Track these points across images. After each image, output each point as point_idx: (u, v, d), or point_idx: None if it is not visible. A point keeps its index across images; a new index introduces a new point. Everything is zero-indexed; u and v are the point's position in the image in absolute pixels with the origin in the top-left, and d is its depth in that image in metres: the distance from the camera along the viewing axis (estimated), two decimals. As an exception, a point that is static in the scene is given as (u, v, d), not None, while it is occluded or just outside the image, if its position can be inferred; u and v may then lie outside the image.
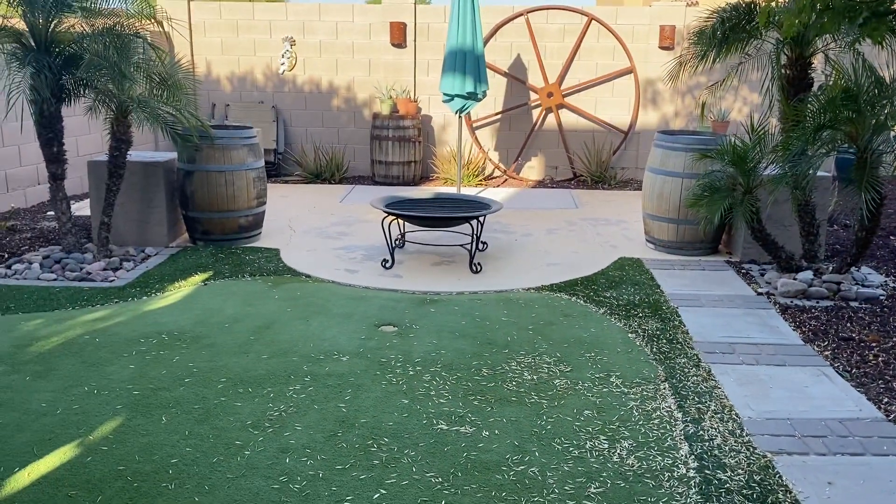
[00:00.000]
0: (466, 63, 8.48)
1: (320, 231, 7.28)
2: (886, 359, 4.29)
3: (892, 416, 3.61)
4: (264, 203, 6.84)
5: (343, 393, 3.78)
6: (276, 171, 10.26)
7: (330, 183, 10.06)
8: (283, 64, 10.32)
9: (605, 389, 3.87)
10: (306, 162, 10.23)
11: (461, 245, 6.35)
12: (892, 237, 7.12)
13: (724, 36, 5.81)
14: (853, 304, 5.26)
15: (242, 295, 5.27)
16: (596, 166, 10.14)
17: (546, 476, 3.04)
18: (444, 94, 8.74)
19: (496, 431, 3.41)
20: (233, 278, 5.70)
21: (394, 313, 4.94)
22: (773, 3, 4.02)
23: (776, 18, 5.13)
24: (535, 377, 4.00)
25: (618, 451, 3.24)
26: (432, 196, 6.83)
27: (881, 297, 5.37)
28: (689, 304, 5.20)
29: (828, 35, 5.48)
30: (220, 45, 10.36)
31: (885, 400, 3.77)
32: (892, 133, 5.03)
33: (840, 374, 4.10)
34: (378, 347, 4.37)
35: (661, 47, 9.92)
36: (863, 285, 5.54)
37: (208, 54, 10.38)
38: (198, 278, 5.65)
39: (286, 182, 10.05)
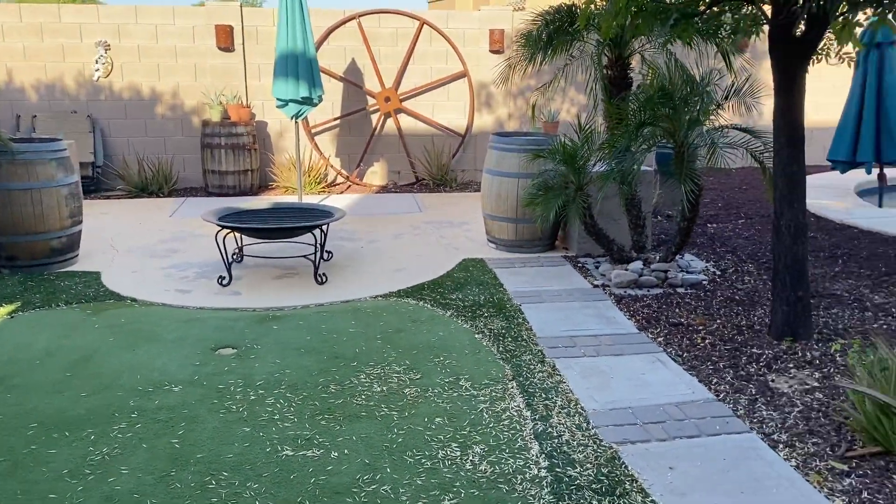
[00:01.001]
0: (299, 67, 8.22)
1: (147, 249, 6.76)
2: (713, 341, 4.56)
3: (722, 395, 3.82)
4: (80, 222, 6.23)
5: (176, 427, 3.46)
6: (95, 186, 9.45)
7: (158, 196, 9.41)
8: (97, 70, 9.52)
9: (455, 394, 3.81)
10: (129, 175, 9.50)
11: (304, 256, 6.11)
12: (709, 225, 7.69)
13: (549, 38, 5.99)
14: (680, 290, 5.59)
15: (57, 326, 4.75)
16: (437, 169, 10.20)
17: (399, 493, 2.93)
18: (278, 100, 8.43)
19: (346, 451, 3.25)
20: (45, 308, 5.13)
21: (232, 334, 4.64)
22: (592, 6, 4.17)
23: (595, 21, 5.33)
24: (384, 388, 3.88)
25: (470, 458, 3.18)
26: (270, 206, 6.53)
27: (704, 282, 5.74)
28: (532, 301, 5.30)
29: (643, 36, 5.79)
30: (23, 50, 9.39)
31: (714, 381, 4.00)
32: (705, 128, 5.38)
33: (673, 359, 4.31)
34: (215, 373, 4.06)
35: (492, 51, 10.15)
36: (687, 272, 5.91)
37: (10, 61, 9.37)
38: (2, 311, 5.03)
39: (108, 198, 9.28)
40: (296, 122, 8.67)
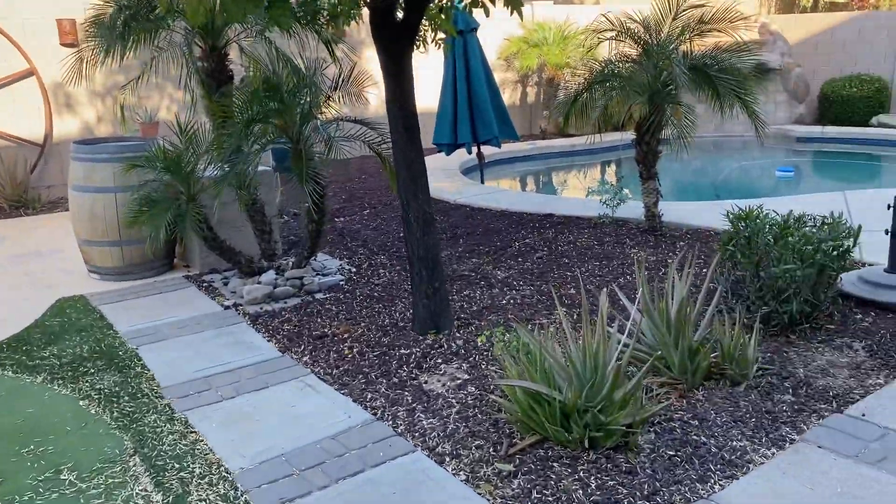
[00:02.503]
0: None
1: None
2: (360, 348, 4.26)
3: (379, 412, 3.51)
4: None
5: None
6: None
7: None
8: None
9: (54, 495, 2.88)
10: None
11: None
12: (337, 219, 7.48)
13: (125, 26, 5.06)
14: (319, 296, 5.21)
15: None
16: (11, 189, 8.38)
17: None
18: None
19: None
20: None
21: None
22: (172, -13, 3.49)
23: (180, 6, 4.60)
24: (-57, 514, 2.77)
25: (83, 589, 2.36)
26: None
27: (341, 283, 5.45)
28: (151, 340, 4.44)
29: (238, 24, 5.21)
30: None
31: (370, 396, 3.67)
32: (319, 121, 5.04)
33: (323, 379, 3.89)
34: None
35: (64, 44, 8.61)
36: (323, 274, 5.56)
37: None
38: None
39: None
40: None
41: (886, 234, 4.56)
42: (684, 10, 5.62)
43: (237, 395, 3.72)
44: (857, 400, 3.46)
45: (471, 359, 4.05)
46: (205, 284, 5.51)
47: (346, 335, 4.47)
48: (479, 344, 4.17)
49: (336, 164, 9.91)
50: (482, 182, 9.26)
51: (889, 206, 4.58)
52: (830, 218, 4.37)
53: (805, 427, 3.26)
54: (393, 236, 6.69)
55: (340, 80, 5.27)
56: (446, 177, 9.34)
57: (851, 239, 4.19)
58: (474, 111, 8.68)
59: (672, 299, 3.77)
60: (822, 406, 3.43)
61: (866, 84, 12.84)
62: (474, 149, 9.11)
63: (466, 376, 3.85)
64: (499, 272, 5.54)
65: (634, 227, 6.43)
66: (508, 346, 3.53)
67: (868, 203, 6.84)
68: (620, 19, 5.85)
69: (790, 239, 4.09)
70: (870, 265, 5.03)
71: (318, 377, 3.91)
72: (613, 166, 11.76)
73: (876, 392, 3.52)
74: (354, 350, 4.24)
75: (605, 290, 3.76)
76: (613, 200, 6.59)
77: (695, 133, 5.76)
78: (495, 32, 12.41)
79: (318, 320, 4.74)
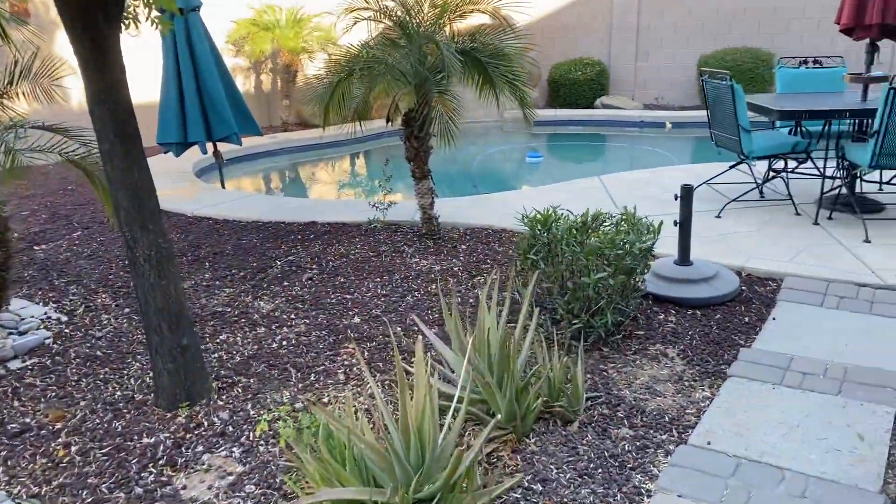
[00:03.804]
0: None
1: None
2: (82, 445, 3.05)
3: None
4: None
5: None
6: None
7: None
8: None
9: None
10: None
11: None
12: (37, 247, 5.87)
13: None
14: (14, 365, 3.82)
15: None
16: None
17: None
18: None
19: None
20: None
21: None
22: None
23: None
24: None
25: None
26: None
27: (48, 342, 4.09)
28: None
29: None
30: None
31: (101, 530, 2.56)
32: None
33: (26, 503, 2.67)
34: None
35: None
36: (19, 332, 4.14)
37: None
38: None
39: None
40: None
41: (676, 225, 4.37)
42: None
43: None
44: (695, 422, 3.11)
45: (243, 438, 3.07)
46: None
47: (58, 425, 3.23)
48: (258, 432, 3.18)
49: (31, 173, 8.03)
50: (223, 186, 8.04)
51: (676, 197, 4.39)
52: (625, 213, 4.04)
53: (655, 469, 2.81)
54: (117, 265, 5.33)
55: (20, 71, 3.89)
56: (178, 182, 7.96)
57: (652, 235, 3.89)
58: (206, 104, 7.42)
59: (487, 332, 3.12)
60: (664, 437, 3.02)
61: (589, 67, 13.56)
62: (210, 147, 7.86)
63: (241, 467, 2.87)
64: (262, 303, 4.55)
65: (410, 232, 5.76)
66: (300, 434, 2.64)
67: (627, 188, 6.89)
68: (376, -3, 5.10)
69: (594, 241, 3.67)
70: (654, 257, 4.87)
71: (16, 502, 2.68)
72: (363, 158, 11.08)
73: (708, 410, 3.20)
74: (73, 449, 3.04)
75: (419, 339, 3.01)
76: (384, 202, 5.88)
77: (461, 122, 5.23)
78: (219, 13, 11.03)
79: (15, 405, 3.41)
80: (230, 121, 7.48)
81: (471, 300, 4.42)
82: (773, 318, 4.05)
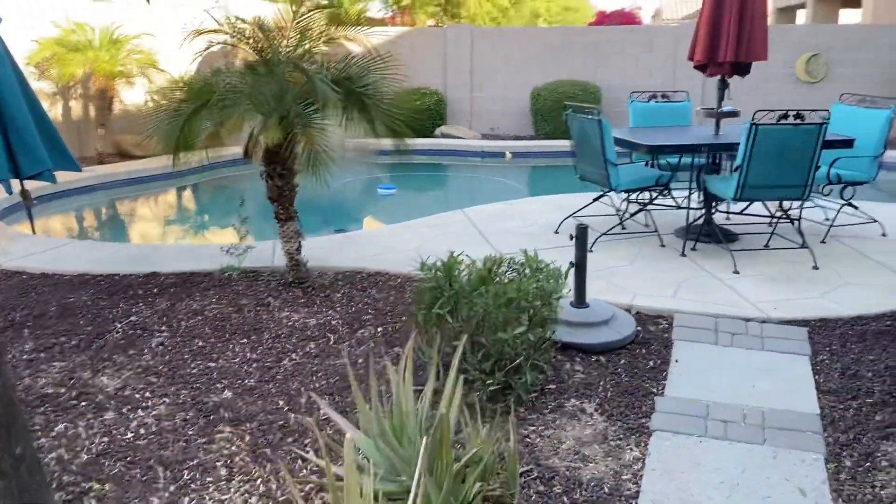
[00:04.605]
0: None
1: None
2: None
3: None
4: None
5: None
6: None
7: None
8: None
9: None
10: None
11: None
12: None
13: None
14: None
15: None
16: None
17: None
18: None
19: None
20: None
21: None
22: None
23: None
24: None
25: None
26: None
27: None
28: None
29: None
30: None
31: None
32: None
33: None
34: None
35: None
36: None
37: None
38: None
39: None
40: None
41: (572, 266, 4.17)
42: (310, 11, 4.54)
43: None
44: (635, 490, 2.86)
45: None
46: None
47: None
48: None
49: None
50: (34, 232, 6.89)
51: (571, 237, 4.20)
52: (524, 256, 3.77)
53: (612, 555, 2.50)
54: None
55: None
56: (-24, 227, 6.73)
57: (560, 281, 3.64)
58: (11, 137, 6.26)
59: (407, 417, 2.68)
60: (610, 513, 2.73)
61: (427, 97, 13.49)
62: (15, 186, 6.70)
63: None
64: (105, 379, 3.76)
65: (273, 280, 5.14)
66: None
67: (492, 222, 6.71)
68: (230, 18, 4.50)
69: (509, 290, 3.35)
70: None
71: None
72: (203, 190, 10.14)
73: (644, 474, 2.96)
74: None
75: (347, 437, 2.52)
76: (240, 246, 5.22)
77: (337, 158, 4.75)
78: (18, 33, 9.66)
79: None
80: (42, 156, 6.40)
81: (360, 360, 3.93)
82: (676, 361, 3.94)
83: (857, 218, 6.29)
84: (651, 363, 3.92)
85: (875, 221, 6.22)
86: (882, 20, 16.23)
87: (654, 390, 3.65)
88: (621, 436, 3.25)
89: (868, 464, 3.01)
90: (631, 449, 3.15)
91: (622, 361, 3.93)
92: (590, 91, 12.88)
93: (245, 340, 4.20)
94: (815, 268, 5.28)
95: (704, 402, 3.50)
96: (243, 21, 4.56)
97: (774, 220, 5.92)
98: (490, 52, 13.91)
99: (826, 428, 3.28)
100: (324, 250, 5.75)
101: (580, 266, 4.17)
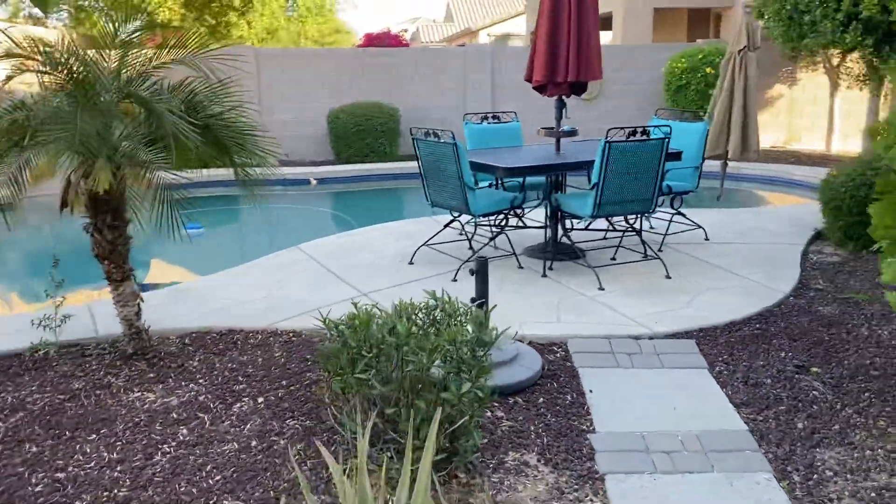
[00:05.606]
0: None
1: None
2: None
3: None
4: None
5: None
6: None
7: None
8: None
9: None
10: None
11: None
12: None
13: None
14: None
15: None
16: None
17: None
18: None
19: None
20: None
21: None
22: None
23: None
24: None
25: None
26: None
27: None
28: None
29: None
30: None
31: None
32: None
33: None
34: None
35: None
36: None
37: None
38: None
39: None
40: None
41: (473, 302, 3.85)
42: (138, 31, 3.79)
43: None
44: (620, 549, 2.61)
45: None
46: None
47: None
48: None
49: None
50: None
51: (472, 272, 3.89)
52: (438, 298, 3.39)
53: None
54: None
55: None
56: None
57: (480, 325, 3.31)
58: None
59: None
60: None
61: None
62: None
63: None
64: None
65: (104, 353, 4.21)
66: None
67: (338, 257, 6.18)
68: (33, 38, 3.60)
69: (442, 342, 2.96)
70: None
71: None
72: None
73: (619, 526, 2.73)
74: None
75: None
76: (56, 316, 4.23)
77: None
78: None
79: None
80: None
81: (259, 446, 3.28)
82: (591, 391, 3.79)
83: (684, 225, 6.70)
84: (568, 397, 3.73)
85: (700, 227, 6.66)
86: (631, 42, 17.94)
87: (584, 427, 3.45)
88: (576, 486, 2.99)
89: (815, 476, 3.04)
90: (591, 500, 2.90)
91: (540, 400, 3.70)
92: (388, 112, 12.73)
93: (94, 436, 3.35)
94: (668, 277, 5.48)
95: (639, 434, 3.37)
96: (45, 42, 3.67)
97: (621, 233, 6.09)
98: (279, 75, 13.27)
99: (760, 444, 3.28)
100: (153, 309, 4.87)
101: (483, 302, 3.88)
